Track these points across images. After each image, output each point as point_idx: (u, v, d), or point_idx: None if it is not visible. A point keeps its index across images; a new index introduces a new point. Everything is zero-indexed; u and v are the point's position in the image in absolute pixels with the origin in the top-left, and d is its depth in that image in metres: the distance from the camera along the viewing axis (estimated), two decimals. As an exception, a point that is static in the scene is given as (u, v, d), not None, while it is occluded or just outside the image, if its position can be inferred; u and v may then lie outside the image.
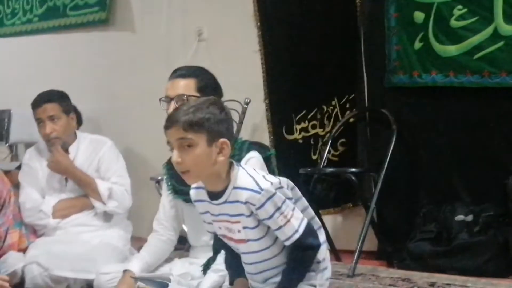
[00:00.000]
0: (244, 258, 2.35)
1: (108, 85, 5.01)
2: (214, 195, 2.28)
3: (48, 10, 5.50)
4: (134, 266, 2.92)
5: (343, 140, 4.28)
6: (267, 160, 2.84)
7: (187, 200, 2.86)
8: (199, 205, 2.37)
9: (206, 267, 2.85)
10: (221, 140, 2.19)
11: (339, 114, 4.29)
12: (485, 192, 3.79)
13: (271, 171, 2.84)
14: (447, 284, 3.41)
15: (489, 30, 3.64)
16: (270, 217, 2.21)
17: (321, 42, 4.22)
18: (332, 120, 4.28)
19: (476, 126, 3.81)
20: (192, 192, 2.39)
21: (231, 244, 2.36)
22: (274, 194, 2.20)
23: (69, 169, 3.64)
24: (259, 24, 4.35)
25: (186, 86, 2.83)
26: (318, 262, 2.33)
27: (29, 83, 4.61)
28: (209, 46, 4.64)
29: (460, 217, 3.74)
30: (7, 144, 5.15)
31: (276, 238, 2.27)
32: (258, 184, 2.21)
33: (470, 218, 3.73)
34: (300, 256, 2.27)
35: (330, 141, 4.22)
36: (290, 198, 2.26)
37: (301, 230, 2.24)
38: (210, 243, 2.89)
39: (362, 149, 4.22)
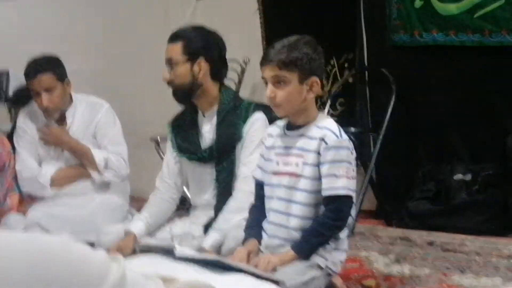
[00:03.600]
0: (282, 193, 2.40)
1: (106, 44, 4.95)
2: (292, 127, 2.42)
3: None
4: (136, 227, 2.94)
5: (341, 100, 4.28)
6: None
7: (191, 158, 2.95)
8: (270, 140, 2.51)
9: (207, 226, 2.87)
10: (312, 78, 2.34)
11: (337, 73, 4.27)
12: (485, 151, 3.83)
13: None
14: (446, 243, 3.46)
15: (490, -12, 3.59)
16: (332, 162, 2.30)
17: (321, 2, 4.18)
18: (330, 79, 4.26)
19: (476, 85, 3.81)
20: (270, 128, 2.57)
21: (281, 179, 2.40)
22: (348, 148, 2.33)
23: (64, 140, 3.56)
24: None
25: (173, 50, 2.84)
26: (337, 239, 2.39)
27: (27, 42, 4.55)
28: (207, 5, 4.56)
29: (459, 176, 3.78)
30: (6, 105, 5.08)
31: None
32: (340, 133, 2.36)
33: (469, 177, 3.76)
34: (328, 223, 2.32)
35: (329, 101, 4.21)
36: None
37: (349, 193, 2.31)
38: (211, 202, 2.93)
39: (361, 109, 4.21)
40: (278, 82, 2.33)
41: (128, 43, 4.87)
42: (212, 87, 2.89)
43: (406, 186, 3.98)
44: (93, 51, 4.94)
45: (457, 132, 3.89)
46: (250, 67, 4.26)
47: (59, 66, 3.52)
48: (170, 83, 2.86)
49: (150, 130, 4.47)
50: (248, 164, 2.79)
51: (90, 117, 3.63)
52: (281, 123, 2.51)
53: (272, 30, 4.32)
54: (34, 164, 3.60)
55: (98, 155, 3.55)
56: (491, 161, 3.76)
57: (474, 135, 3.84)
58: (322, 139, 2.33)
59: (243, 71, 4.26)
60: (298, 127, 2.41)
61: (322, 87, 2.45)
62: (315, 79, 2.35)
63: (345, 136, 2.36)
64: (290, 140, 2.43)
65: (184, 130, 2.98)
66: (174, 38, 2.86)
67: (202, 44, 2.84)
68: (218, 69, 2.90)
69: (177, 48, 2.83)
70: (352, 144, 2.38)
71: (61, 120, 3.60)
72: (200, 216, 3.00)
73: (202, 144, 2.93)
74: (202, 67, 2.83)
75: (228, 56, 2.98)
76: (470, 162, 3.82)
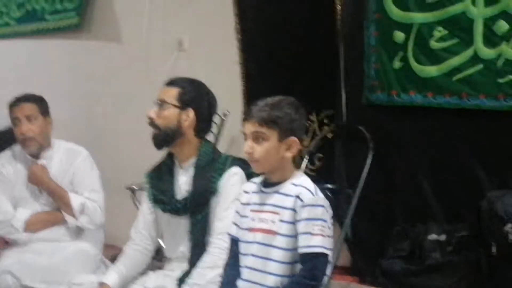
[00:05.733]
0: (257, 250, 2.41)
1: (85, 92, 4.96)
2: (268, 184, 2.46)
3: (27, 14, 5.41)
4: (110, 279, 2.94)
5: (320, 155, 4.28)
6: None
7: (165, 209, 2.97)
8: (245, 196, 2.54)
9: (181, 281, 2.87)
10: (291, 138, 2.41)
11: (316, 129, 4.29)
12: (459, 212, 3.79)
13: None
14: (419, 304, 3.43)
15: (469, 53, 3.62)
16: (308, 219, 2.33)
17: (301, 56, 4.23)
18: (310, 134, 4.27)
19: (452, 147, 3.79)
20: (246, 184, 2.61)
21: (256, 235, 2.42)
22: (323, 207, 2.37)
23: (44, 180, 3.56)
24: (239, 37, 4.34)
25: (168, 93, 2.91)
26: None
27: (5, 87, 4.51)
28: (189, 56, 4.60)
29: (433, 236, 3.75)
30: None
31: None
32: (316, 190, 2.41)
33: (443, 237, 3.73)
34: (303, 282, 2.32)
35: (307, 156, 4.20)
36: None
37: (325, 251, 2.33)
38: (186, 254, 2.93)
39: (339, 165, 4.20)
40: (257, 138, 2.40)
41: (108, 91, 4.87)
42: (193, 140, 2.94)
43: (380, 244, 3.94)
44: (73, 97, 4.92)
45: (432, 192, 3.86)
46: (229, 119, 4.30)
47: (43, 101, 3.62)
48: (152, 123, 2.90)
49: (126, 179, 4.44)
50: (224, 220, 2.80)
51: (68, 163, 3.65)
52: (257, 179, 2.56)
53: (252, 83, 4.35)
54: (9, 207, 3.59)
55: (75, 200, 3.55)
56: (466, 222, 3.74)
57: (449, 196, 3.82)
58: (298, 197, 2.37)
59: (222, 123, 4.29)
60: (274, 184, 2.46)
61: (302, 147, 2.50)
62: (294, 139, 2.42)
63: (320, 194, 2.42)
64: (266, 197, 2.47)
65: (160, 180, 2.99)
66: (172, 82, 2.96)
67: (195, 96, 2.92)
68: (204, 124, 2.95)
69: (173, 92, 2.91)
70: (327, 202, 2.41)
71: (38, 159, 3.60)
72: (175, 269, 2.98)
73: (177, 196, 2.94)
74: (189, 117, 2.89)
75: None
76: (445, 223, 3.81)
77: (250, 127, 2.41)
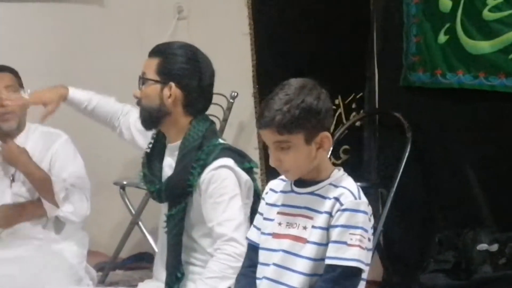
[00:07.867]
0: (280, 259, 2.31)
1: (66, 68, 4.75)
2: (302, 183, 2.35)
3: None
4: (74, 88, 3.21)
5: (346, 147, 4.24)
6: (248, 172, 2.74)
7: (149, 190, 2.89)
8: (271, 195, 2.43)
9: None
10: (321, 134, 2.26)
11: (343, 115, 4.25)
12: None
13: (257, 192, 2.78)
14: (466, 327, 3.41)
15: (530, 26, 3.58)
16: (345, 226, 2.22)
17: (325, 28, 4.16)
18: (334, 122, 4.19)
19: (508, 139, 3.73)
20: (273, 182, 2.47)
21: (282, 242, 2.33)
22: (366, 213, 2.25)
23: (22, 160, 3.36)
24: (250, 3, 4.25)
25: (148, 65, 2.80)
26: None
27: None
28: (190, 26, 4.50)
29: (483, 246, 3.68)
30: None
31: None
32: (359, 193, 2.28)
33: (495, 247, 3.66)
34: None
35: (331, 148, 4.02)
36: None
37: (360, 265, 2.21)
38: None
39: (369, 159, 4.22)
40: (281, 147, 2.27)
41: (94, 67, 4.71)
42: (182, 119, 2.80)
43: (419, 254, 3.94)
44: (51, 74, 4.72)
45: (483, 192, 3.84)
46: (238, 102, 4.16)
47: (18, 75, 3.49)
48: (139, 102, 2.84)
49: (114, 173, 4.39)
50: (226, 223, 2.68)
51: (45, 147, 3.49)
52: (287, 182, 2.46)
53: (265, 59, 4.28)
54: None
55: (58, 184, 3.37)
56: (522, 229, 3.67)
57: (503, 198, 3.76)
58: (337, 199, 2.25)
59: (229, 107, 4.15)
60: (310, 183, 2.33)
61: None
62: (324, 134, 2.27)
63: (364, 198, 2.28)
64: (298, 198, 2.34)
65: (152, 158, 2.92)
66: (153, 52, 2.83)
67: (180, 67, 2.76)
68: (194, 100, 2.78)
69: (153, 64, 2.78)
70: (371, 208, 2.29)
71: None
72: (160, 271, 2.87)
73: (163, 179, 2.86)
74: (173, 93, 2.74)
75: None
76: (497, 230, 3.74)
77: (269, 137, 2.26)
